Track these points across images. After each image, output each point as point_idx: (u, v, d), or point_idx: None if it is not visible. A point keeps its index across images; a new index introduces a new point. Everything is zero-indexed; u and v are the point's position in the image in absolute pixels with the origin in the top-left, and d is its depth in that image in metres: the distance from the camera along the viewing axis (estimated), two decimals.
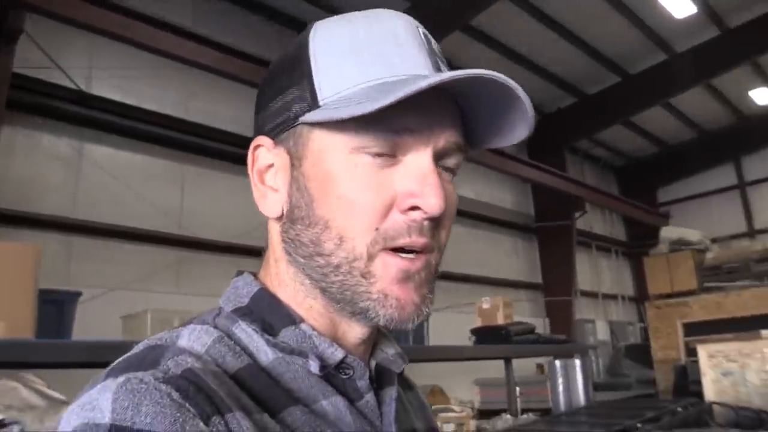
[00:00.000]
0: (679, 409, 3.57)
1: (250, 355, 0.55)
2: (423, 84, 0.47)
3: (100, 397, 0.45)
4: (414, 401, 0.73)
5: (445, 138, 0.55)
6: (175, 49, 6.27)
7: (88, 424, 0.44)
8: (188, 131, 7.21)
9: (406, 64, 0.54)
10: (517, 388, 5.03)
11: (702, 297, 8.00)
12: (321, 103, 0.54)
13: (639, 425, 3.01)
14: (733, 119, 14.54)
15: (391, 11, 0.58)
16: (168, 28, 6.14)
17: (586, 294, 13.45)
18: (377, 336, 0.65)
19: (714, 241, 9.36)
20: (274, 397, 0.52)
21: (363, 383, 0.58)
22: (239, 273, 0.63)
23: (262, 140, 0.59)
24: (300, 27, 9.29)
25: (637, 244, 14.64)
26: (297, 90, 0.55)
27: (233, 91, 7.42)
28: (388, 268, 0.54)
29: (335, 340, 0.58)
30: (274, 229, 0.61)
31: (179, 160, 7.25)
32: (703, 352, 4.55)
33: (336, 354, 0.56)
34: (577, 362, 4.41)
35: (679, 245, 8.39)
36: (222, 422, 0.46)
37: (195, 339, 0.54)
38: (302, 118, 0.55)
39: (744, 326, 7.23)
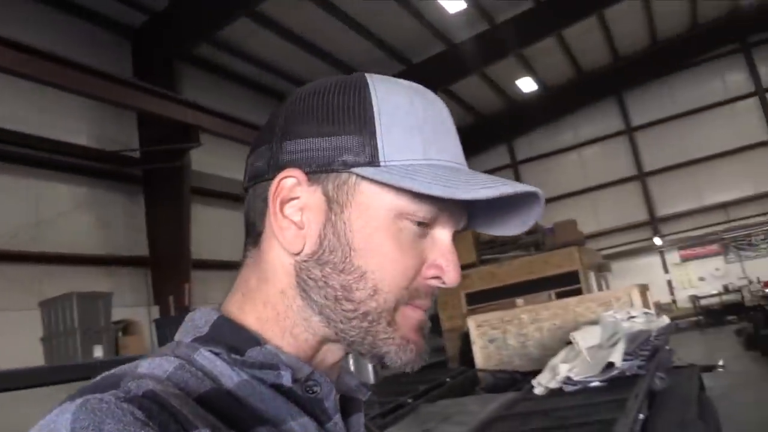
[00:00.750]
0: (448, 379, 3.93)
1: (214, 379, 0.54)
2: (509, 190, 0.54)
3: (58, 419, 0.43)
4: None
5: (464, 220, 0.63)
6: None
7: None
8: None
9: (454, 151, 0.61)
10: None
11: (480, 268, 8.85)
12: (382, 163, 0.57)
13: (410, 400, 3.28)
14: (504, 105, 16.18)
15: (428, 90, 0.64)
16: None
17: None
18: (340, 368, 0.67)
19: None
20: (241, 418, 0.52)
21: (330, 404, 0.58)
22: (193, 310, 0.64)
23: (295, 173, 0.59)
24: (86, 15, 8.45)
25: None
26: (353, 140, 0.57)
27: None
28: (408, 319, 0.59)
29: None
30: (280, 260, 0.60)
31: None
32: (472, 322, 5.03)
33: (304, 368, 0.57)
34: None
35: None
36: None
37: (155, 366, 0.53)
38: (357, 170, 0.57)
39: (515, 291, 8.15)
